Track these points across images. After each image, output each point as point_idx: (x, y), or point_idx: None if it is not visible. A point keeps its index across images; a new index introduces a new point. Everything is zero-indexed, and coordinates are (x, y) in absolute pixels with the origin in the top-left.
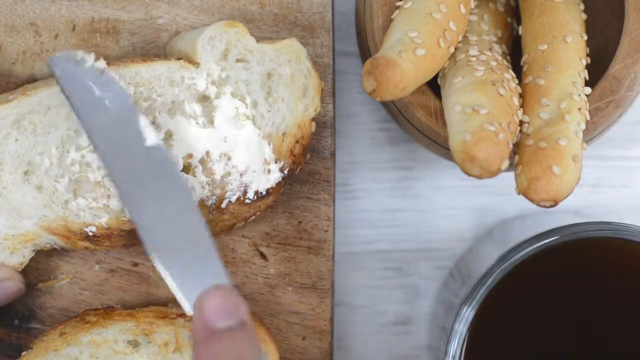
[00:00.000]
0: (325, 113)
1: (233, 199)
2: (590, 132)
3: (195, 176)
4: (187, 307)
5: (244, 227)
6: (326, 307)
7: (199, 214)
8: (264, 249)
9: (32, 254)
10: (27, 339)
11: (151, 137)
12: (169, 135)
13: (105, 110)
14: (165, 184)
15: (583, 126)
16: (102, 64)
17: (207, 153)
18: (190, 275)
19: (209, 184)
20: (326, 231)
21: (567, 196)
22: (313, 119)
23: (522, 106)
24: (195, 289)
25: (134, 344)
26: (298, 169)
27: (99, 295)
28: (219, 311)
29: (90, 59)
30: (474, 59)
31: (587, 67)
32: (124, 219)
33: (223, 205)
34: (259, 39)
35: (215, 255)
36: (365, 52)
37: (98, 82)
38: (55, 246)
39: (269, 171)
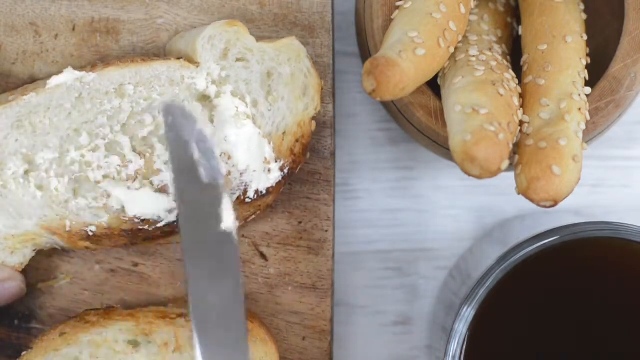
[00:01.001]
0: (325, 113)
1: (233, 198)
2: (590, 132)
3: None
4: None
5: (244, 227)
6: (326, 307)
7: (243, 311)
8: (264, 249)
9: (33, 254)
10: (27, 339)
11: (228, 222)
12: None
13: (196, 177)
14: (224, 270)
15: (583, 126)
16: (209, 130)
17: None
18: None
19: None
20: (326, 231)
21: (567, 196)
22: (313, 118)
23: (522, 106)
24: None
25: (134, 344)
26: (298, 168)
27: (99, 295)
28: None
29: (200, 121)
30: (474, 59)
31: (587, 67)
32: (124, 218)
33: None
34: (259, 39)
35: (246, 346)
36: (365, 52)
37: (201, 147)
38: (55, 246)
39: (269, 170)
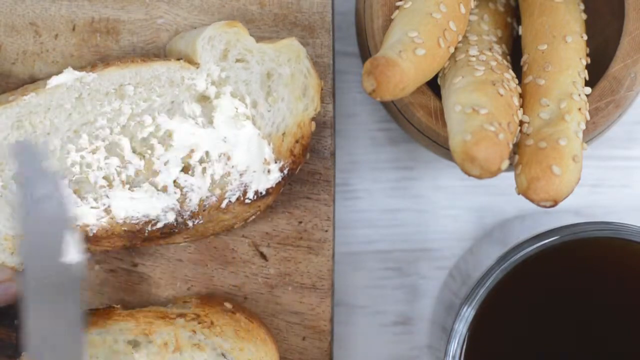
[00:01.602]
0: (325, 113)
1: (233, 198)
2: (590, 132)
3: (194, 176)
4: None
5: (244, 227)
6: (326, 307)
7: (82, 343)
8: (264, 249)
9: None
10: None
11: (72, 255)
12: (168, 135)
13: (42, 213)
14: (65, 303)
15: (583, 126)
16: (54, 166)
17: (207, 153)
18: None
19: (208, 184)
20: (326, 231)
21: (567, 196)
22: (313, 119)
23: (522, 106)
24: None
25: (134, 344)
26: (298, 169)
27: (99, 295)
28: None
29: (46, 158)
30: (474, 59)
31: (587, 67)
32: (124, 219)
33: (223, 205)
34: (259, 39)
35: None
36: (365, 52)
37: (49, 180)
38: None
39: (268, 171)
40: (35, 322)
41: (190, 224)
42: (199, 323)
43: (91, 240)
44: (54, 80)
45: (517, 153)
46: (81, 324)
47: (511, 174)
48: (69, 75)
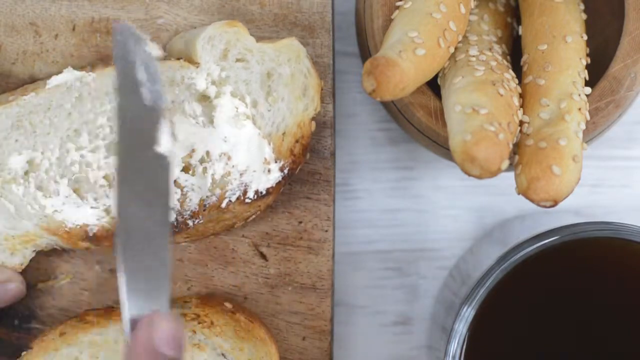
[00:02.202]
0: (325, 113)
1: (233, 198)
2: (590, 132)
3: (194, 176)
4: (127, 315)
5: (244, 227)
6: (326, 307)
7: (168, 238)
8: (264, 249)
9: (33, 255)
10: (27, 339)
11: (164, 146)
12: None
13: (138, 98)
14: (155, 192)
15: (583, 126)
16: (158, 51)
17: (207, 153)
18: (143, 290)
19: (209, 184)
20: (326, 231)
21: (567, 196)
22: (313, 119)
23: (522, 106)
24: (144, 305)
25: None
26: (298, 169)
27: (99, 295)
28: (170, 339)
29: (150, 44)
30: (474, 59)
31: (587, 67)
32: None
33: (223, 205)
34: (259, 39)
35: (168, 284)
36: (365, 52)
37: (147, 69)
38: (55, 246)
39: (269, 171)
40: (125, 210)
41: (190, 223)
42: (199, 323)
43: (91, 239)
44: (53, 80)
45: (517, 153)
46: (168, 217)
47: (511, 174)
48: (69, 75)
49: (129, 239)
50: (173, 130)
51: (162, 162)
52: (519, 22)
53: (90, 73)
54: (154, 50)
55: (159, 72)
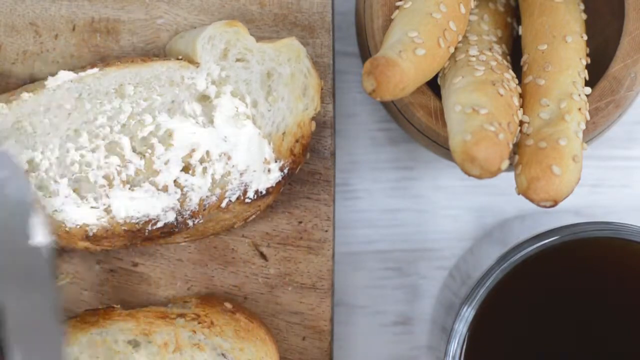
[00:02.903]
0: (325, 113)
1: (233, 198)
2: (590, 132)
3: (194, 175)
4: None
5: (244, 227)
6: (326, 307)
7: (59, 324)
8: (264, 249)
9: None
10: None
11: (39, 236)
12: (168, 135)
13: (3, 194)
14: (36, 285)
15: (583, 126)
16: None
17: (207, 152)
18: None
19: (209, 183)
20: (326, 231)
21: (567, 196)
22: (313, 118)
23: (522, 106)
24: None
25: (134, 344)
26: (298, 169)
27: (99, 295)
28: None
29: (6, 143)
30: (474, 59)
31: (587, 67)
32: (124, 219)
33: (223, 205)
34: (259, 39)
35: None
36: (365, 52)
37: (7, 166)
38: (55, 246)
39: (269, 170)
40: (9, 314)
41: (190, 223)
42: (199, 323)
43: (91, 239)
44: (53, 81)
45: (517, 153)
46: (57, 313)
47: (511, 174)
48: (68, 75)
49: (19, 335)
50: (46, 220)
51: (39, 253)
52: (519, 22)
53: (90, 73)
54: (10, 148)
55: (20, 165)
